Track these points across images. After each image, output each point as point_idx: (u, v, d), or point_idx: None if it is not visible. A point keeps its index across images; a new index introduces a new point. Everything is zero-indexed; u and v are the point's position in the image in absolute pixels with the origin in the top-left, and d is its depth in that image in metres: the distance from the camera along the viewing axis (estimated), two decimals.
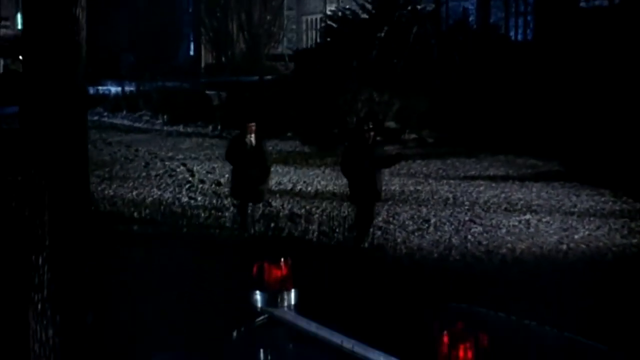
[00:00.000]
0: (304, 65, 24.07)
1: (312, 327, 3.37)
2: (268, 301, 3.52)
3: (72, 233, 4.42)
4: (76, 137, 4.50)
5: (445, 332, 2.65)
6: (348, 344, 3.16)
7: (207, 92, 28.28)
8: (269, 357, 3.45)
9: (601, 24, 22.77)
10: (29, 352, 4.55)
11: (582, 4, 24.43)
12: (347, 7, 25.17)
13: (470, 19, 26.22)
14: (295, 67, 25.29)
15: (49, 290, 4.42)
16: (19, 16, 59.18)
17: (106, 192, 15.03)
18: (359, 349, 3.11)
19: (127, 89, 32.44)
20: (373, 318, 3.87)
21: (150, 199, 14.52)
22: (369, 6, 23.86)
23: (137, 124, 27.69)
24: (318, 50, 24.70)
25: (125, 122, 28.44)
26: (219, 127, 24.12)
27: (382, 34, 23.82)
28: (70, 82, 4.32)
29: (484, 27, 25.40)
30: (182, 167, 18.02)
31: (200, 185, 15.89)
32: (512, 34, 26.44)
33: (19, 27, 58.02)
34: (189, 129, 25.07)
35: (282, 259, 3.64)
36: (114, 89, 33.40)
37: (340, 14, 25.06)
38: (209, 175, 16.97)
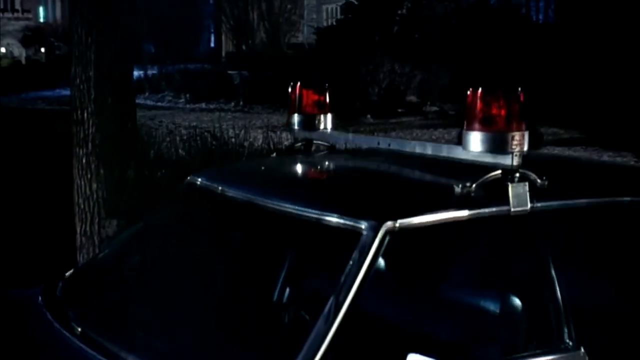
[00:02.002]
0: (325, 42, 24.23)
1: (349, 137, 3.53)
2: (305, 124, 3.62)
3: (116, 87, 4.60)
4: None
5: (480, 90, 2.79)
6: (384, 143, 3.31)
7: (229, 72, 28.50)
8: (308, 171, 3.56)
9: (621, 4, 22.81)
10: (73, 206, 4.74)
11: None
12: None
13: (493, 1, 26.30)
14: (317, 44, 25.45)
15: (93, 144, 4.60)
16: (40, 9, 59.73)
17: None
18: (395, 145, 3.27)
19: (149, 72, 32.69)
20: None
21: (174, 157, 14.72)
22: None
23: (159, 103, 27.95)
24: (339, 27, 24.85)
25: (149, 102, 28.68)
26: (241, 103, 24.36)
27: (404, 11, 23.93)
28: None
29: (505, 6, 25.42)
30: (205, 134, 18.21)
31: (224, 148, 16.09)
32: (532, 14, 26.51)
33: (41, 19, 58.59)
34: (211, 106, 25.30)
35: (319, 85, 3.79)
36: (137, 73, 33.59)
37: None
38: (232, 140, 17.14)
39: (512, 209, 2.75)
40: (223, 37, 45.56)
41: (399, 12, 23.95)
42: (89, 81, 4.57)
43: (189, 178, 3.43)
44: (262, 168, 3.42)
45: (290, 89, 3.77)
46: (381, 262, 2.63)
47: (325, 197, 2.80)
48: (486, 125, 2.77)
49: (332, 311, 2.34)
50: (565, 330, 2.71)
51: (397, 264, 2.68)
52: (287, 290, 2.98)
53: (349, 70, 21.08)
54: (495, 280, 2.89)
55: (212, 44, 50.45)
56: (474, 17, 23.63)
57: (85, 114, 4.59)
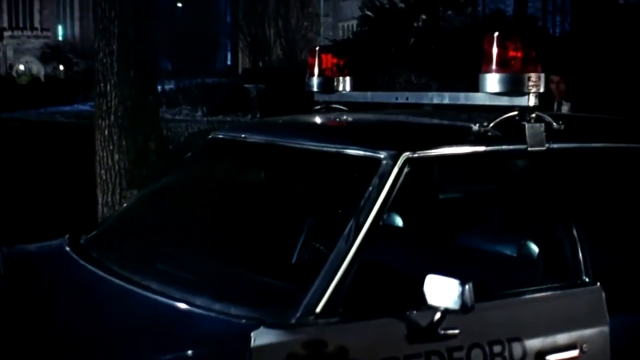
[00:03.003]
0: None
1: (368, 96, 3.59)
2: (324, 86, 3.66)
3: (139, 60, 4.69)
4: None
5: (497, 33, 2.86)
6: (402, 97, 3.38)
7: (246, 85, 28.67)
8: (327, 119, 3.55)
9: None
10: (95, 177, 4.82)
11: (621, 1, 24.51)
12: None
13: (509, 13, 26.38)
14: None
15: (115, 116, 4.68)
16: (59, 27, 60.35)
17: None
18: (413, 98, 3.34)
19: (166, 87, 32.92)
20: None
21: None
22: None
23: (177, 117, 28.15)
24: (356, 39, 24.98)
25: (166, 115, 28.84)
26: (258, 115, 24.50)
27: (420, 23, 24.03)
28: None
29: (521, 18, 25.52)
30: None
31: None
32: (549, 27, 26.59)
33: (60, 37, 59.21)
34: (228, 118, 25.46)
35: (339, 48, 3.86)
36: None
37: (377, 3, 25.30)
38: None
39: (529, 148, 2.80)
40: (240, 55, 45.87)
41: (416, 24, 24.04)
42: (112, 54, 4.67)
43: (210, 135, 3.50)
44: (281, 120, 3.48)
45: (309, 53, 3.84)
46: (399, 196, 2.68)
47: (345, 134, 2.87)
48: (503, 66, 2.83)
49: (353, 231, 2.39)
50: (582, 266, 2.75)
51: (415, 197, 2.74)
52: (308, 225, 3.05)
53: (364, 81, 21.11)
54: (512, 218, 2.94)
55: (229, 62, 50.80)
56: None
57: (108, 87, 4.68)
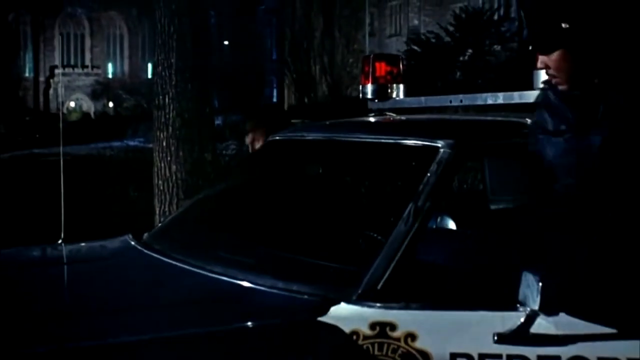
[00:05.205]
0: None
1: (422, 100, 3.67)
2: (378, 93, 3.74)
3: (195, 73, 4.83)
4: None
5: None
6: (456, 100, 3.45)
7: (292, 120, 28.93)
8: (383, 119, 3.61)
9: None
10: (152, 188, 4.94)
11: None
12: (431, 30, 25.63)
13: None
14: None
15: (173, 127, 4.81)
16: (109, 65, 61.52)
17: None
18: (467, 100, 3.41)
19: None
20: None
21: None
22: (451, 28, 24.24)
23: (224, 152, 28.45)
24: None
25: None
26: None
27: (466, 57, 24.08)
28: None
29: None
30: None
31: None
32: None
33: (109, 75, 60.35)
34: None
35: (393, 56, 3.94)
36: None
37: (423, 37, 25.46)
38: None
39: None
40: (285, 91, 46.31)
41: (462, 58, 24.10)
42: (170, 68, 4.81)
43: (269, 138, 3.60)
44: (336, 121, 3.57)
45: (363, 60, 3.93)
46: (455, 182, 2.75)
47: (402, 128, 2.95)
48: None
49: (412, 214, 2.45)
50: None
51: (472, 188, 2.79)
52: (366, 216, 3.12)
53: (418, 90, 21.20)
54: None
55: (275, 98, 51.28)
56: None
57: (167, 99, 4.82)
